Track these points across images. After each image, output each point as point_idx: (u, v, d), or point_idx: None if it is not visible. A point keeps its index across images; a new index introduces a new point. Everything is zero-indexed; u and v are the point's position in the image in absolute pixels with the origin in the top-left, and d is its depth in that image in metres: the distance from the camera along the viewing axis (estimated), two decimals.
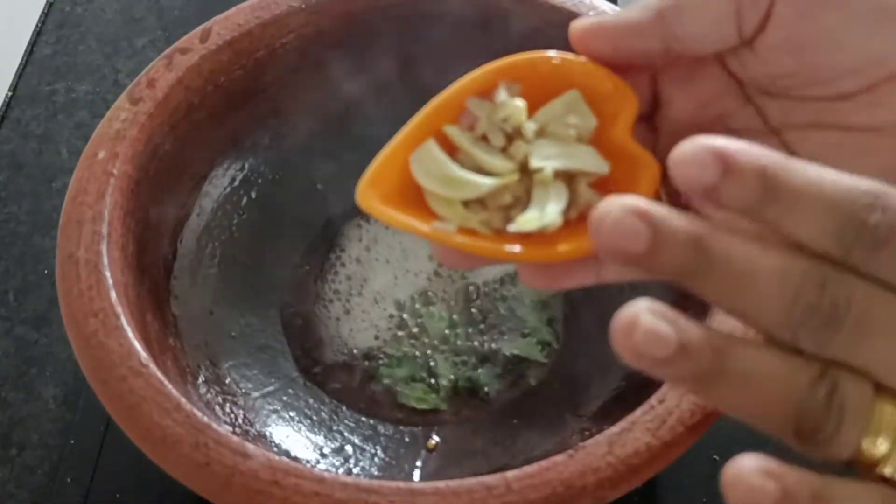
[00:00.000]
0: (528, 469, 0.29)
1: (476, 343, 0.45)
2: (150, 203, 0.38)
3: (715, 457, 0.42)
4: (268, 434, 0.38)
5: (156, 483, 0.42)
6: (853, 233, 0.19)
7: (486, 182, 0.25)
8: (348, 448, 0.40)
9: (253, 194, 0.45)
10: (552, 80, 0.26)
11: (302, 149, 0.46)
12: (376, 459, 0.40)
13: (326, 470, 0.37)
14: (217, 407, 0.37)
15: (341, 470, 0.38)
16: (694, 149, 0.19)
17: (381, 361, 0.44)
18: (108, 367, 0.31)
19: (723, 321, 0.32)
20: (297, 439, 0.39)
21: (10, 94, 0.59)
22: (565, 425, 0.38)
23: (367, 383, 0.44)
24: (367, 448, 0.40)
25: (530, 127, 0.25)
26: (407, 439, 0.41)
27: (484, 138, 0.26)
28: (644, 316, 0.19)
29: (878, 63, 0.22)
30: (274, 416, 0.40)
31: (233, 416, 0.38)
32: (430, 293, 0.46)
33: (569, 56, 0.26)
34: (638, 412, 0.30)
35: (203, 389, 0.38)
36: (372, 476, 0.39)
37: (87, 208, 0.35)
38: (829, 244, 0.19)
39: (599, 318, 0.43)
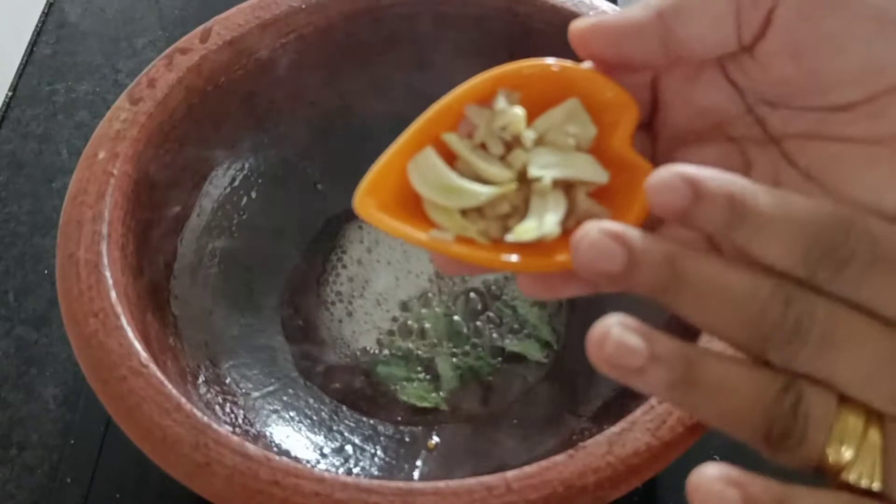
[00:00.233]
0: (528, 469, 0.29)
1: (477, 341, 0.45)
2: (150, 203, 0.38)
3: (715, 457, 0.42)
4: (268, 434, 0.38)
5: (156, 483, 0.42)
6: (817, 254, 0.20)
7: (484, 191, 0.25)
8: (348, 448, 0.40)
9: (253, 194, 0.45)
10: (552, 87, 0.26)
11: (302, 149, 0.46)
12: (376, 459, 0.40)
13: (326, 470, 0.37)
14: (217, 407, 0.37)
15: (341, 470, 0.38)
16: (667, 175, 0.21)
17: (382, 361, 0.44)
18: (108, 367, 0.31)
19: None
20: (297, 439, 0.39)
21: (10, 94, 0.59)
22: (565, 425, 0.38)
23: (368, 383, 0.44)
24: (367, 448, 0.40)
25: (529, 135, 0.25)
26: (407, 439, 0.41)
27: (483, 146, 0.26)
28: (615, 329, 0.21)
29: (879, 72, 0.22)
30: (274, 416, 0.40)
31: (233, 416, 0.38)
32: (431, 294, 0.46)
33: (569, 64, 0.26)
34: (638, 412, 0.30)
35: (203, 389, 0.38)
36: (372, 476, 0.39)
37: (87, 208, 0.35)
38: (794, 264, 0.20)
39: (600, 317, 0.43)
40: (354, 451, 0.40)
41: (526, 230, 0.24)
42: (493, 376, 0.44)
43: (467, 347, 0.45)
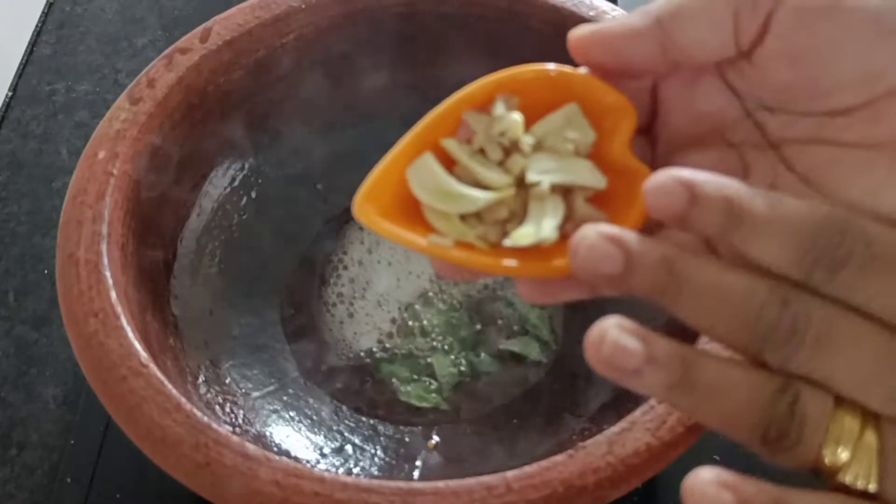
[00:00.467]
0: (528, 469, 0.29)
1: (477, 341, 0.45)
2: (150, 203, 0.38)
3: (715, 457, 0.42)
4: (268, 434, 0.38)
5: (156, 483, 0.42)
6: (813, 256, 0.20)
7: (483, 196, 0.25)
8: (348, 448, 0.40)
9: (253, 194, 0.45)
10: (551, 92, 0.26)
11: (302, 149, 0.46)
12: (376, 459, 0.40)
13: (326, 470, 0.37)
14: (217, 407, 0.37)
15: (341, 470, 0.38)
16: (664, 179, 0.21)
17: (383, 362, 0.44)
18: (108, 367, 0.31)
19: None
20: (297, 439, 0.39)
21: (10, 94, 0.59)
22: (565, 425, 0.38)
23: (368, 383, 0.44)
24: (367, 448, 0.40)
25: (527, 141, 0.25)
26: (407, 439, 0.41)
27: (481, 152, 0.26)
28: (611, 331, 0.21)
29: (877, 77, 0.22)
30: (274, 416, 0.40)
31: (233, 416, 0.38)
32: (432, 294, 0.46)
33: (568, 69, 0.26)
34: (638, 412, 0.30)
35: (203, 389, 0.38)
36: (372, 476, 0.39)
37: (87, 208, 0.35)
38: (790, 266, 0.21)
39: (600, 317, 0.43)
40: (354, 451, 0.40)
41: (524, 235, 0.24)
42: (494, 376, 0.44)
43: (468, 347, 0.45)
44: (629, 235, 0.21)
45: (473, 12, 0.43)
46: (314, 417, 0.41)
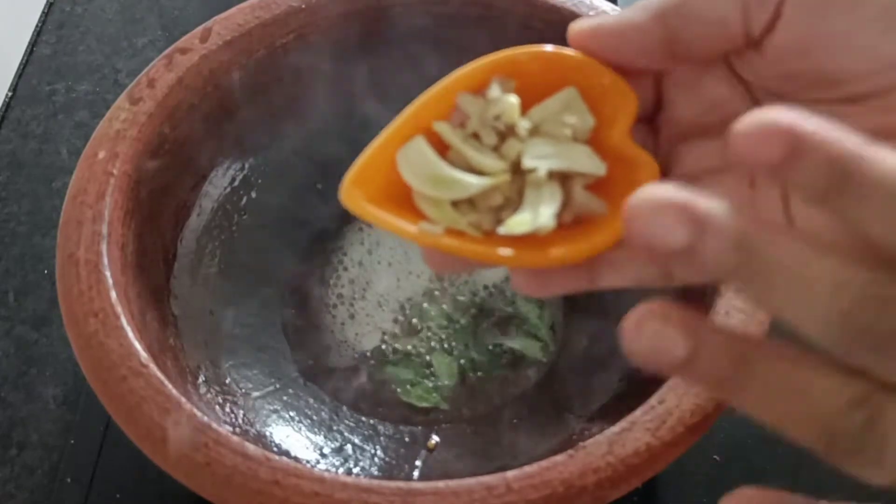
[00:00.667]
0: (528, 469, 0.29)
1: (478, 341, 0.45)
2: (150, 203, 0.38)
3: (715, 457, 0.42)
4: (268, 434, 0.38)
5: (156, 483, 0.42)
6: None
7: (476, 182, 0.24)
8: (348, 448, 0.40)
9: (253, 194, 0.45)
10: (549, 76, 0.25)
11: (302, 149, 0.46)
12: (376, 459, 0.40)
13: (326, 470, 0.37)
14: (217, 407, 0.37)
15: (341, 470, 0.38)
16: (761, 122, 0.17)
17: (384, 362, 0.44)
18: (108, 367, 0.31)
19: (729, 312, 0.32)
20: (297, 439, 0.39)
21: (10, 94, 0.59)
22: (565, 425, 0.38)
23: (369, 383, 0.44)
24: (367, 448, 0.40)
25: (524, 125, 0.24)
26: (407, 439, 0.41)
27: (475, 136, 0.25)
28: (650, 321, 0.18)
29: (890, 67, 0.22)
30: (274, 416, 0.40)
31: (233, 416, 0.38)
32: (432, 294, 0.46)
33: (567, 51, 0.25)
34: (638, 412, 0.30)
35: (203, 389, 0.38)
36: (372, 476, 0.39)
37: (87, 208, 0.35)
38: None
39: (600, 317, 0.43)
40: (354, 451, 0.40)
41: (519, 223, 0.23)
42: (494, 376, 0.44)
43: (468, 347, 0.45)
44: (704, 202, 0.17)
45: (474, 12, 0.43)
46: (314, 417, 0.41)
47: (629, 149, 0.24)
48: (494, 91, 0.24)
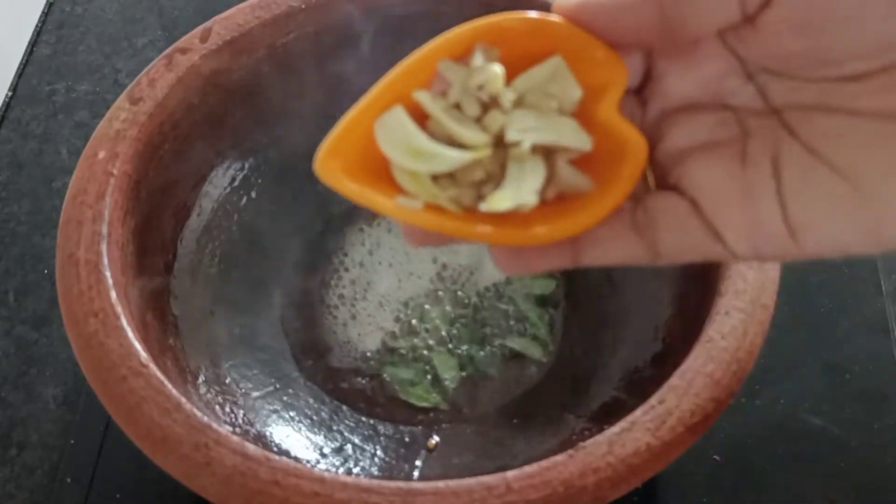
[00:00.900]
0: (528, 469, 0.29)
1: (478, 341, 0.45)
2: (150, 203, 0.38)
3: (715, 457, 0.42)
4: (268, 434, 0.38)
5: (156, 483, 0.42)
6: None
7: (457, 155, 0.23)
8: (348, 448, 0.40)
9: (253, 194, 0.45)
10: (535, 44, 0.23)
11: (302, 149, 0.46)
12: (376, 459, 0.40)
13: (326, 470, 0.37)
14: (217, 407, 0.37)
15: (341, 470, 0.38)
16: None
17: (385, 362, 0.44)
18: (108, 367, 0.31)
19: (728, 311, 0.32)
20: (297, 439, 0.39)
21: (10, 94, 0.59)
22: (565, 425, 0.38)
23: (369, 383, 0.44)
24: (367, 448, 0.40)
25: (508, 96, 0.23)
26: (407, 439, 0.41)
27: (457, 106, 0.23)
28: None
29: (891, 46, 0.21)
30: (274, 416, 0.40)
31: (233, 416, 0.38)
32: (433, 294, 0.46)
33: (554, 18, 0.23)
34: (638, 412, 0.30)
35: (203, 389, 0.38)
36: (372, 476, 0.39)
37: (87, 208, 0.35)
38: None
39: (600, 317, 0.43)
40: (354, 451, 0.40)
41: (500, 199, 0.22)
42: (494, 376, 0.44)
43: (468, 347, 0.45)
44: None
45: (474, 13, 0.43)
46: (314, 417, 0.41)
47: (617, 123, 0.23)
48: (478, 59, 0.23)
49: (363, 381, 0.44)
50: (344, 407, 0.42)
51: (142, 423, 0.30)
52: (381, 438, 0.41)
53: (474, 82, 0.23)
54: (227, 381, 0.40)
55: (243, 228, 0.45)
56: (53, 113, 0.58)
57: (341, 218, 0.48)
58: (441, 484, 0.29)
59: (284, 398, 0.41)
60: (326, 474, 0.29)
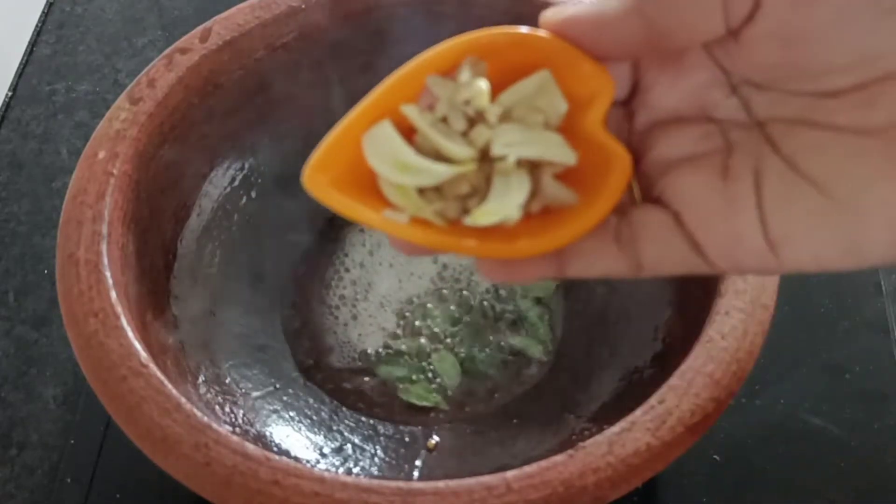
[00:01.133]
0: (528, 469, 0.29)
1: (478, 341, 0.45)
2: (149, 203, 0.38)
3: (715, 457, 0.42)
4: (268, 434, 0.38)
5: (156, 483, 0.42)
6: None
7: (443, 170, 0.23)
8: (348, 448, 0.40)
9: (253, 194, 0.45)
10: (523, 57, 0.24)
11: (302, 149, 0.46)
12: (376, 459, 0.40)
13: (326, 470, 0.37)
14: (217, 407, 0.37)
15: (341, 470, 0.38)
16: None
17: (385, 362, 0.44)
18: (108, 367, 0.31)
19: (728, 311, 0.32)
20: (297, 439, 0.39)
21: (10, 94, 0.59)
22: (565, 425, 0.38)
23: (369, 383, 0.44)
24: (367, 448, 0.40)
25: (494, 111, 0.23)
26: (407, 439, 0.41)
27: (445, 120, 0.24)
28: None
29: (874, 60, 0.21)
30: (274, 416, 0.40)
31: (233, 416, 0.38)
32: (434, 294, 0.46)
33: (542, 33, 0.24)
34: (638, 412, 0.30)
35: (203, 389, 0.38)
36: (372, 476, 0.39)
37: (87, 208, 0.35)
38: None
39: (600, 317, 0.43)
40: (354, 451, 0.40)
41: (485, 213, 0.23)
42: (494, 375, 0.44)
43: (469, 347, 0.45)
44: None
45: (474, 13, 0.43)
46: (314, 417, 0.41)
47: (602, 138, 0.24)
48: (465, 74, 0.24)
49: (362, 381, 0.44)
50: (344, 407, 0.42)
51: (142, 423, 0.30)
52: (381, 438, 0.41)
53: (461, 97, 0.23)
54: (227, 381, 0.40)
55: (243, 228, 0.45)
56: (53, 113, 0.58)
57: (341, 218, 0.47)
58: (441, 484, 0.29)
59: (284, 398, 0.41)
60: (326, 474, 0.29)
